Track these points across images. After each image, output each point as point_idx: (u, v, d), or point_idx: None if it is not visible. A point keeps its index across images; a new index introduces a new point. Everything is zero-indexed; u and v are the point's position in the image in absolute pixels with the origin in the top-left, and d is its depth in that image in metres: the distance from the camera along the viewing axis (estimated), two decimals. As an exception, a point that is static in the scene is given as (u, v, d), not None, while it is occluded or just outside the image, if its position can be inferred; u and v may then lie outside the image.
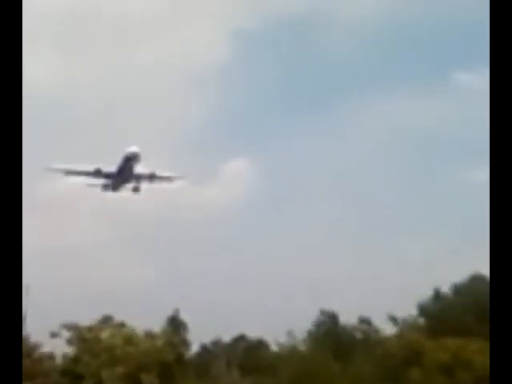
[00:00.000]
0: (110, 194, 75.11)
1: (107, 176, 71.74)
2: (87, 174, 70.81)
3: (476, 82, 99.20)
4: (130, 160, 68.14)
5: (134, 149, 67.24)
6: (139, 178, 71.92)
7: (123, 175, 71.11)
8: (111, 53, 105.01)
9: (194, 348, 69.85)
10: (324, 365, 52.58)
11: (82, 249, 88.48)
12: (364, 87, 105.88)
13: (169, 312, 69.43)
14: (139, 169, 70.55)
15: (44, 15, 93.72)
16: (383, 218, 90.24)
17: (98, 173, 70.59)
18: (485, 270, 57.48)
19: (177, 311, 70.83)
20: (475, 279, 59.90)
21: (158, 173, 71.47)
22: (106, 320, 59.64)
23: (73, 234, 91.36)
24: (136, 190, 73.68)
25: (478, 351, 46.02)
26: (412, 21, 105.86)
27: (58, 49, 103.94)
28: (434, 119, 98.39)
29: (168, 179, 73.33)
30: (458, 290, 60.83)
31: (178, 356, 57.52)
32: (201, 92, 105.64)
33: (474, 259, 64.05)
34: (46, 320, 57.13)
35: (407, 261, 77.98)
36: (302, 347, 59.69)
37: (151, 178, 71.50)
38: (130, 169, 69.57)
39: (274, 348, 64.10)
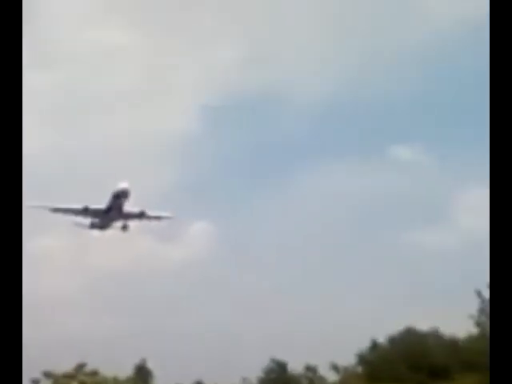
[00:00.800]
0: (95, 233, 72.01)
1: (95, 214, 69.15)
2: (75, 211, 68.22)
3: (411, 155, 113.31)
4: (119, 197, 65.51)
5: (123, 185, 64.78)
6: (128, 216, 69.49)
7: (112, 213, 68.49)
8: (92, 121, 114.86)
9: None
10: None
11: (56, 296, 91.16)
12: (312, 159, 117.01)
13: (137, 361, 73.26)
14: (128, 207, 67.96)
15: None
16: (331, 279, 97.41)
17: (85, 211, 67.68)
18: (417, 323, 66.13)
19: (144, 360, 73.66)
20: (408, 332, 65.43)
21: (148, 212, 69.13)
22: (81, 367, 63.10)
23: (47, 280, 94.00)
24: (125, 228, 71.29)
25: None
26: (354, 99, 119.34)
27: (45, 119, 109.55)
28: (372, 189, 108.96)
29: (157, 218, 71.38)
30: (393, 341, 65.83)
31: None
32: (170, 159, 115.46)
33: (408, 314, 72.88)
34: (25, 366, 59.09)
35: (349, 315, 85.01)
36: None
37: (140, 216, 69.40)
38: (120, 206, 66.99)
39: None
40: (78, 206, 67.04)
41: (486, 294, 53.75)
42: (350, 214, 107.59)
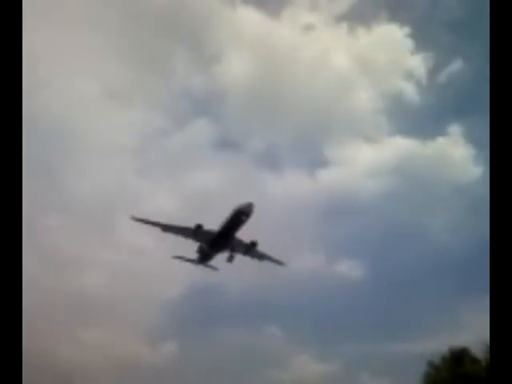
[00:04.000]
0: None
1: (206, 237, 66.77)
2: (185, 231, 66.17)
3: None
4: (240, 215, 62.32)
5: (248, 203, 61.71)
6: (238, 245, 67.40)
7: (225, 236, 65.78)
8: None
9: None
10: None
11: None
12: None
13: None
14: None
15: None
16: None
17: (198, 229, 65.18)
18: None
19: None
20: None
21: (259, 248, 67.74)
22: None
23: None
24: (231, 259, 69.53)
25: None
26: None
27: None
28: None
29: (267, 258, 69.96)
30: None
31: None
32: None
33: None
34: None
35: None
36: None
37: (249, 249, 67.65)
38: (237, 226, 63.91)
39: None
40: (190, 224, 65.87)
41: None
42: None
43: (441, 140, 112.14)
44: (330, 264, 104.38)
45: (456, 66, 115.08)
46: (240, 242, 68.23)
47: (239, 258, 70.94)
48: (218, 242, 67.75)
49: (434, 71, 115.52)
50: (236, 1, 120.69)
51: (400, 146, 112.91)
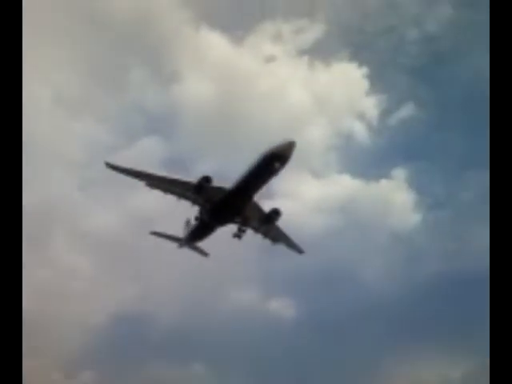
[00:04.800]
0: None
1: (213, 195, 50.34)
2: (181, 186, 50.97)
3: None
4: (274, 160, 45.29)
5: (289, 142, 44.94)
6: (254, 213, 51.89)
7: (241, 197, 50.03)
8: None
9: None
10: None
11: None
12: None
13: None
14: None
15: None
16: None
17: (203, 184, 49.27)
18: None
19: None
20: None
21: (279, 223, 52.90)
22: None
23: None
24: (240, 233, 54.29)
25: None
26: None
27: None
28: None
29: (285, 240, 56.31)
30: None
31: None
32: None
33: None
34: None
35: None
36: None
37: (269, 219, 52.40)
38: (265, 180, 47.75)
39: None
40: (190, 178, 50.56)
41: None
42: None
43: (384, 183, 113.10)
44: (263, 301, 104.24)
45: (407, 110, 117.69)
46: (257, 209, 52.06)
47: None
48: (229, 206, 51.11)
49: (385, 114, 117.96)
50: (201, 23, 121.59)
51: (346, 186, 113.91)
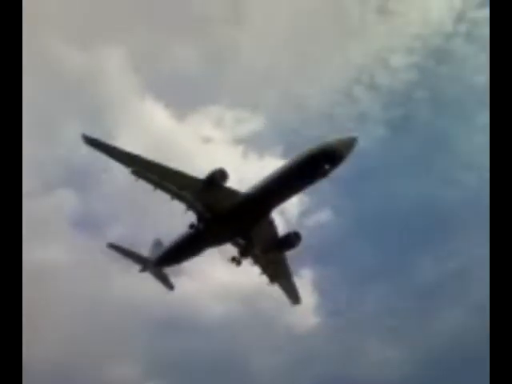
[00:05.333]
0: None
1: (223, 199, 39.30)
2: (189, 182, 39.64)
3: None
4: (326, 159, 34.94)
5: (351, 138, 35.15)
6: (265, 233, 40.75)
7: (258, 207, 38.66)
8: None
9: None
10: None
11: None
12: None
13: None
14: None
15: None
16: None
17: (217, 178, 38.47)
18: None
19: None
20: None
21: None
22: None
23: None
24: (241, 258, 42.98)
25: None
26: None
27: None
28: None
29: (286, 282, 45.45)
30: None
31: None
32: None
33: None
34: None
35: None
36: None
37: (283, 245, 42.00)
38: (303, 184, 37.42)
39: None
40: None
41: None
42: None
43: None
44: (142, 381, 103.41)
45: (325, 215, 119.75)
46: (272, 228, 41.17)
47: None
48: (239, 217, 39.82)
49: (304, 214, 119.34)
50: (147, 93, 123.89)
51: (256, 277, 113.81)
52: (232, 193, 39.55)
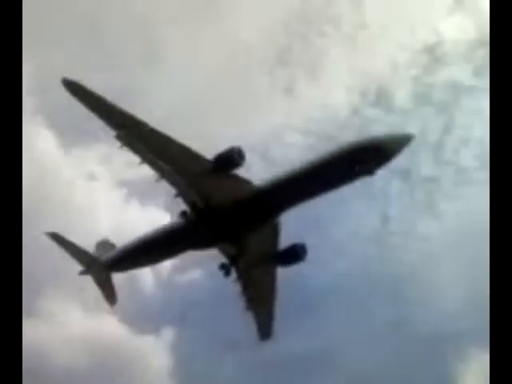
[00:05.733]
0: None
1: (231, 187, 32.61)
2: (191, 158, 32.48)
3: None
4: (373, 155, 30.79)
5: (406, 135, 31.36)
6: (270, 242, 34.18)
7: (268, 207, 32.74)
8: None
9: None
10: None
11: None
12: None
13: None
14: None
15: None
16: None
17: (231, 158, 31.47)
18: None
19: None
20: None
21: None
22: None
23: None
24: (229, 268, 36.19)
25: None
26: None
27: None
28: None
29: (269, 310, 37.00)
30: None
31: None
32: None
33: None
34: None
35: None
36: None
37: (283, 260, 34.86)
38: (339, 182, 32.31)
39: None
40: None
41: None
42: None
43: (150, 339, 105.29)
44: None
45: (196, 274, 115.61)
46: (275, 236, 34.55)
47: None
48: (244, 214, 33.36)
49: (176, 271, 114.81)
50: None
51: (113, 329, 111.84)
52: (241, 182, 32.61)
